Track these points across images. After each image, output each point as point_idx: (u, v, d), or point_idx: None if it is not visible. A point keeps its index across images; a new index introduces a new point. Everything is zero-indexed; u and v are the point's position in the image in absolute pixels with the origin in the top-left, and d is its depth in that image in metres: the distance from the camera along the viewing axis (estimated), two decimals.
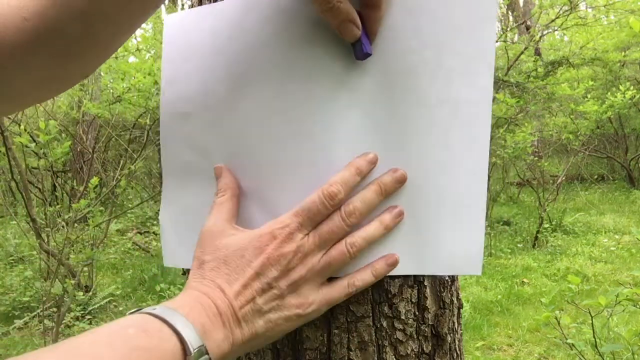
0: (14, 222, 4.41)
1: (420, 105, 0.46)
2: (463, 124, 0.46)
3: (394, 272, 0.48)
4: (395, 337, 0.49)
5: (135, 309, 0.41)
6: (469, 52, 0.46)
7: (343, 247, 0.44)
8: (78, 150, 5.76)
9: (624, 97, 5.75)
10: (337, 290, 0.45)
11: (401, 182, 0.46)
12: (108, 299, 3.90)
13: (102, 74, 7.33)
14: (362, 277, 0.46)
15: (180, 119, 0.54)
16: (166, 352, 0.36)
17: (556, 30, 6.83)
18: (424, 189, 0.47)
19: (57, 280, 3.19)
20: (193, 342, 0.37)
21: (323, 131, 0.47)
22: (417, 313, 0.50)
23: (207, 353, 0.38)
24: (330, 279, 0.46)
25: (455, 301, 0.54)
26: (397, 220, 0.47)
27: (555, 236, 5.52)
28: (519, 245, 5.39)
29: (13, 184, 5.04)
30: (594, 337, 2.04)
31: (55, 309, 3.25)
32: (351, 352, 0.48)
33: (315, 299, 0.44)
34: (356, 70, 0.47)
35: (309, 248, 0.43)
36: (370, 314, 0.49)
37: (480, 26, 0.45)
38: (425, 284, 0.51)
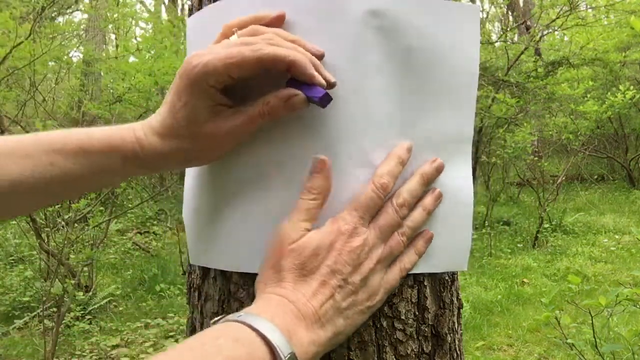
0: (14, 222, 4.41)
1: (411, 113, 0.49)
2: (450, 131, 0.50)
3: None
4: (395, 337, 0.49)
5: (218, 318, 0.41)
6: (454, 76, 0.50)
7: (398, 237, 0.46)
8: None
9: (624, 97, 5.75)
10: (394, 277, 0.47)
11: (440, 170, 0.49)
12: (108, 299, 3.90)
13: (102, 74, 7.34)
14: (409, 259, 0.48)
15: None
16: (256, 359, 0.36)
17: (556, 30, 6.83)
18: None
19: (57, 280, 3.20)
20: (283, 349, 0.37)
21: (329, 132, 0.47)
22: (417, 313, 0.51)
23: (296, 359, 0.38)
24: None
25: (455, 301, 0.54)
26: (437, 203, 0.49)
27: (555, 236, 5.53)
28: (519, 245, 5.39)
29: None
30: (594, 337, 2.04)
31: (55, 309, 3.25)
32: (351, 352, 0.48)
33: (379, 289, 0.46)
34: (358, 81, 0.47)
35: (372, 241, 0.45)
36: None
37: (464, 63, 0.50)
38: (425, 284, 0.51)
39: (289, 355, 0.38)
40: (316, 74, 0.43)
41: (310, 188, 0.46)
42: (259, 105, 0.45)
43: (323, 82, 0.44)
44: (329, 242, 0.44)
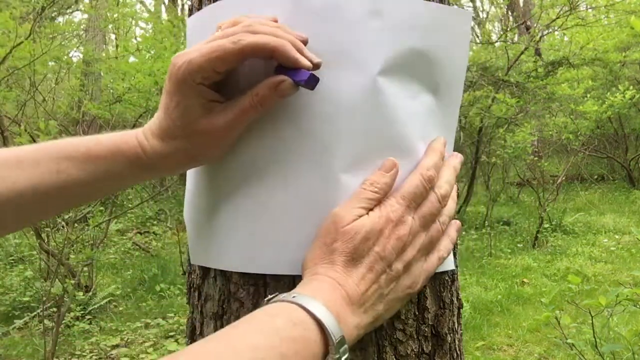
0: None
1: (406, 115, 0.49)
2: (440, 131, 0.52)
3: None
4: (395, 337, 0.49)
5: (272, 296, 0.42)
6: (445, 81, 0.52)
7: (438, 225, 0.48)
8: None
9: (624, 97, 5.75)
10: (432, 265, 0.48)
11: (462, 162, 0.53)
12: (108, 299, 3.91)
13: (102, 74, 7.34)
14: (445, 247, 0.49)
15: None
16: (310, 341, 0.38)
17: (556, 30, 6.83)
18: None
19: (57, 280, 3.20)
20: (334, 332, 0.39)
21: (327, 131, 0.47)
22: (417, 313, 0.51)
23: (345, 342, 0.40)
24: None
25: (455, 301, 0.54)
26: (458, 208, 0.51)
27: (555, 236, 5.53)
28: (519, 245, 5.39)
29: None
30: (594, 337, 2.04)
31: (55, 309, 3.25)
32: (351, 352, 0.48)
33: (420, 275, 0.47)
34: (354, 77, 0.47)
35: (416, 229, 0.46)
36: None
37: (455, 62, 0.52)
38: (425, 284, 0.51)
39: (339, 339, 0.39)
40: (299, 56, 0.44)
41: (375, 182, 0.46)
42: (249, 97, 0.45)
43: (308, 63, 0.44)
44: (379, 228, 0.44)
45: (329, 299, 0.40)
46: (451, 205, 0.50)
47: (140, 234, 6.14)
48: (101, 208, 4.19)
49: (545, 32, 6.78)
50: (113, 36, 10.94)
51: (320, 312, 0.39)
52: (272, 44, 0.43)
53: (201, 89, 0.44)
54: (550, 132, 6.65)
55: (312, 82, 0.44)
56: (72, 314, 3.53)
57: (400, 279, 0.45)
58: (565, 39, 7.65)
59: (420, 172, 0.47)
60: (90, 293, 3.80)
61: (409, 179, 0.47)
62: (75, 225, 3.50)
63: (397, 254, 0.44)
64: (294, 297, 0.40)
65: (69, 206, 0.51)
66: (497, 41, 7.14)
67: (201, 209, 0.54)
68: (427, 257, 0.48)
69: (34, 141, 4.30)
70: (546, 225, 5.53)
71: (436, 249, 0.48)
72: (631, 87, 5.97)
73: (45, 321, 3.10)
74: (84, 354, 3.11)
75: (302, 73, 0.44)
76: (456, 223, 0.51)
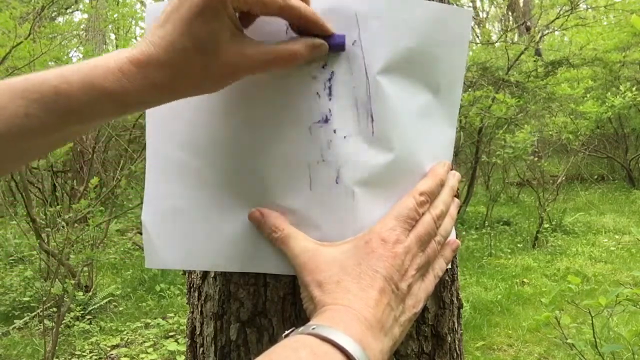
0: (14, 222, 4.42)
1: (404, 116, 0.49)
2: (439, 133, 0.52)
3: None
4: None
5: (289, 331, 0.40)
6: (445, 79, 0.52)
7: (434, 244, 0.48)
8: (78, 150, 5.76)
9: (624, 97, 5.75)
10: (430, 283, 0.47)
11: (459, 180, 0.53)
12: (108, 299, 3.91)
13: None
14: (439, 265, 0.49)
15: (167, 114, 0.52)
16: None
17: (556, 30, 6.84)
18: (403, 191, 0.49)
19: (57, 280, 3.19)
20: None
21: (324, 132, 0.47)
22: None
23: None
24: None
25: (455, 301, 0.54)
26: (457, 209, 0.52)
27: (555, 236, 5.53)
28: (519, 245, 5.39)
29: (13, 184, 5.05)
30: (594, 337, 2.04)
31: (55, 309, 3.25)
32: None
33: (421, 295, 0.46)
34: (351, 76, 0.47)
35: (413, 249, 0.45)
36: None
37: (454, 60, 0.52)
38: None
39: None
40: (329, 26, 0.45)
41: (273, 226, 0.47)
42: (286, 47, 0.44)
43: (333, 29, 0.46)
44: (372, 249, 0.44)
45: (349, 327, 0.39)
46: (447, 224, 0.49)
47: (140, 234, 6.14)
48: (101, 208, 4.19)
49: (545, 32, 6.78)
50: (113, 36, 10.94)
51: (344, 341, 0.37)
52: (310, 14, 0.44)
53: (232, 14, 0.41)
54: (550, 132, 6.65)
55: (343, 42, 0.46)
56: (72, 314, 3.53)
57: (406, 300, 0.44)
58: (565, 39, 7.65)
59: (413, 196, 0.47)
60: (90, 293, 3.80)
61: (403, 201, 0.47)
62: (76, 225, 3.50)
63: (400, 274, 0.44)
64: (313, 328, 0.38)
65: (34, 155, 0.45)
66: (497, 41, 7.14)
67: (185, 209, 0.52)
68: (425, 277, 0.47)
69: None
70: (546, 225, 5.52)
71: (431, 267, 0.48)
72: (633, 89, 5.96)
73: (45, 321, 3.10)
74: (84, 354, 3.11)
75: (336, 37, 0.45)
76: (454, 243, 0.51)
